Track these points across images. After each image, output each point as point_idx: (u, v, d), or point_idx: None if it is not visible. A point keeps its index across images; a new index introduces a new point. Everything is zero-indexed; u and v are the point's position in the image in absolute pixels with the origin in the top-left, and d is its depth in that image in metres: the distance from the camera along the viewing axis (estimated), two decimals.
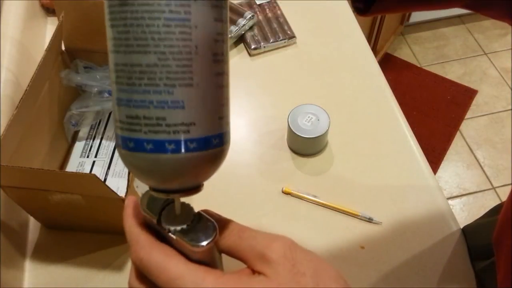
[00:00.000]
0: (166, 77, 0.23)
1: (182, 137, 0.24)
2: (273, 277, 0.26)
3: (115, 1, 0.23)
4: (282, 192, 0.70)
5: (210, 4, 0.24)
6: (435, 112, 1.90)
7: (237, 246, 0.28)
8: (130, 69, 0.24)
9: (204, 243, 0.27)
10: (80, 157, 0.73)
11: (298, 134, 0.70)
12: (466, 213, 1.63)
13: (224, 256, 0.30)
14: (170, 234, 0.27)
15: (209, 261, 0.28)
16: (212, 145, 0.26)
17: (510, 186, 1.67)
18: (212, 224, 0.28)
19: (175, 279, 0.26)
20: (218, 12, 0.24)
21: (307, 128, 0.70)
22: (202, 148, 0.25)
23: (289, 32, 0.90)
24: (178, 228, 0.27)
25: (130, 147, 0.25)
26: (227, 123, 0.27)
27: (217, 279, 0.26)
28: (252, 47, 0.88)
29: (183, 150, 0.24)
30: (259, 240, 0.28)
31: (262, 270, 0.26)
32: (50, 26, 0.95)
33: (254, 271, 0.27)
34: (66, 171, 0.68)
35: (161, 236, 0.28)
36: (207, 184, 0.28)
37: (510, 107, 1.91)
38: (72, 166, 0.72)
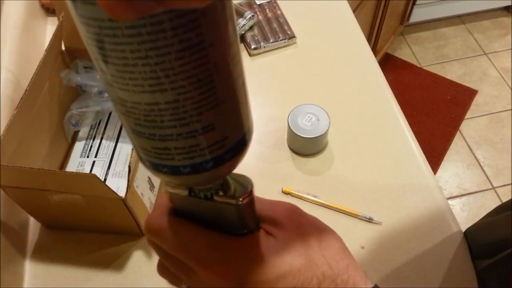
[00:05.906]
0: (191, 108, 0.21)
1: (218, 153, 0.23)
2: (280, 238, 0.28)
3: (106, 37, 0.18)
4: (282, 192, 0.70)
5: (219, 10, 0.19)
6: (435, 112, 1.90)
7: None
8: (145, 108, 0.21)
9: (244, 193, 0.27)
10: (80, 157, 0.73)
11: (298, 134, 0.70)
12: (466, 213, 1.63)
13: None
14: (207, 199, 0.27)
15: (251, 217, 0.28)
16: (245, 143, 0.25)
17: (510, 186, 1.67)
18: (243, 176, 0.28)
19: (189, 240, 0.27)
20: (230, 11, 0.20)
21: (307, 128, 0.70)
22: (237, 152, 0.25)
23: (289, 32, 0.90)
24: (213, 190, 0.27)
25: (163, 171, 0.24)
26: (251, 113, 0.26)
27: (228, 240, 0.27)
28: (252, 47, 0.88)
29: (221, 163, 0.24)
30: (265, 204, 0.30)
31: (270, 231, 0.28)
32: (50, 26, 0.95)
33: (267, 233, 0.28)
34: (66, 171, 0.68)
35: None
36: None
37: (510, 107, 1.91)
38: (72, 166, 0.72)
